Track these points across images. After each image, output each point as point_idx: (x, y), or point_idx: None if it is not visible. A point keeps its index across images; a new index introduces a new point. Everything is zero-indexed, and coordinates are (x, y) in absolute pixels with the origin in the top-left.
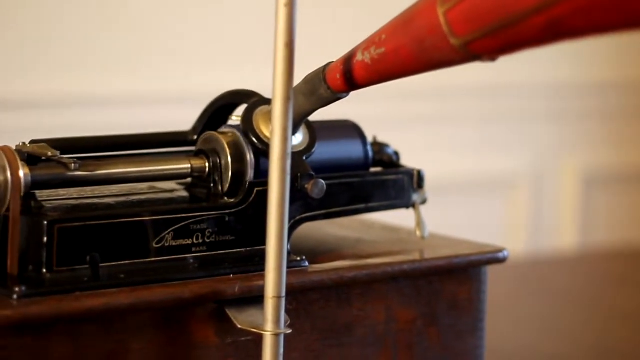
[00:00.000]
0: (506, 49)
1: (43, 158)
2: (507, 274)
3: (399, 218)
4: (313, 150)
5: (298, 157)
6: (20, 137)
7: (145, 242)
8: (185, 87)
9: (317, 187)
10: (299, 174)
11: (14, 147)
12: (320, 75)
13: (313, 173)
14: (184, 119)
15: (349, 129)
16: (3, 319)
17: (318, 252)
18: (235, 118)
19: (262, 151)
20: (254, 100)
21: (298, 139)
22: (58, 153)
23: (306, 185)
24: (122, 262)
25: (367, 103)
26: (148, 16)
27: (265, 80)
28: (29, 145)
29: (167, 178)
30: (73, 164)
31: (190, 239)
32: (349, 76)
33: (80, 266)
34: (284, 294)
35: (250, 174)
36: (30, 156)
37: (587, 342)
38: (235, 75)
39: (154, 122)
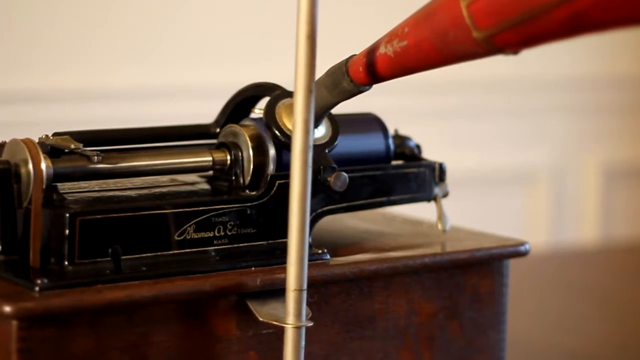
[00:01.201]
0: (529, 42)
1: (66, 150)
2: (528, 268)
3: (420, 211)
4: (335, 143)
5: (320, 150)
6: (43, 129)
7: (167, 235)
8: (209, 80)
9: (340, 180)
10: (321, 167)
11: (37, 140)
12: (342, 68)
13: (335, 166)
14: (207, 112)
15: (371, 122)
16: (25, 311)
17: (339, 245)
18: (258, 111)
19: (285, 144)
20: (277, 93)
21: (321, 131)
22: (81, 145)
23: (329, 178)
24: (144, 255)
25: (389, 96)
26: (171, 9)
27: (288, 73)
28: (51, 137)
29: (189, 171)
30: (96, 157)
31: (212, 232)
32: (372, 69)
33: (102, 259)
34: (305, 286)
35: (271, 166)
36: (53, 148)
37: (608, 335)
38: (257, 68)
39: (176, 115)
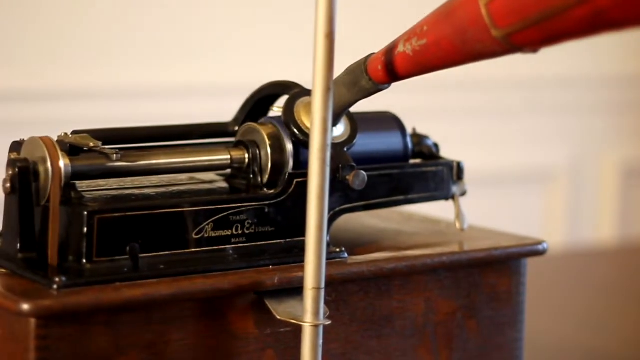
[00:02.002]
0: (548, 41)
1: (85, 149)
2: (546, 267)
3: (438, 210)
4: (354, 141)
5: (339, 148)
6: (62, 128)
7: (184, 233)
8: (227, 79)
9: (359, 178)
10: (340, 165)
11: (56, 138)
12: (361, 67)
13: (354, 164)
14: (226, 111)
15: (389, 121)
16: (44, 309)
17: (357, 244)
18: (277, 109)
19: (303, 142)
20: (296, 92)
21: (339, 130)
22: (100, 143)
23: (347, 177)
24: (162, 253)
25: (407, 94)
26: (190, 9)
27: (306, 71)
28: (70, 135)
29: (207, 169)
30: (115, 155)
31: (230, 230)
32: (391, 67)
33: (120, 257)
34: (323, 285)
35: (289, 165)
36: (71, 147)
37: (627, 334)
38: (276, 66)
39: (195, 113)
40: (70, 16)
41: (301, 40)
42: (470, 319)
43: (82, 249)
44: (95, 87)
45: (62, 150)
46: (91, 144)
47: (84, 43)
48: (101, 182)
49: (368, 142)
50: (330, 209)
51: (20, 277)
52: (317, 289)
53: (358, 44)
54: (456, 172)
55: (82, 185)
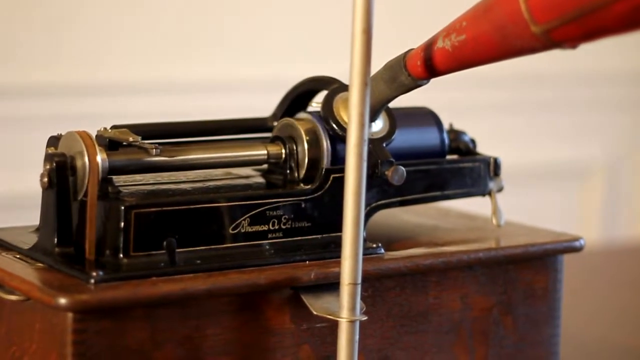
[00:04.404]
0: (587, 37)
1: (124, 143)
2: (582, 263)
3: (475, 206)
4: (393, 137)
5: (378, 144)
6: (102, 122)
7: (221, 228)
8: (266, 74)
9: (397, 173)
10: (379, 161)
11: (95, 133)
12: (400, 62)
13: (393, 160)
14: (264, 106)
15: (426, 116)
16: (81, 304)
17: (394, 240)
18: (316, 104)
19: (342, 137)
20: (334, 87)
21: (378, 125)
22: (139, 138)
23: (386, 172)
24: (198, 248)
25: (444, 90)
26: (228, 5)
27: (344, 67)
28: (110, 130)
29: (244, 164)
30: (154, 149)
31: (266, 225)
32: (430, 63)
33: (156, 251)
34: (359, 280)
35: (326, 160)
36: (111, 141)
37: None
38: (314, 62)
39: (235, 108)
40: (114, 12)
41: (340, 35)
42: (506, 315)
43: (119, 244)
44: (136, 82)
45: (99, 145)
46: (130, 139)
47: (128, 39)
48: (138, 177)
49: (405, 138)
50: (366, 205)
51: (57, 271)
52: (354, 284)
53: (395, 40)
54: (493, 168)
55: (119, 180)
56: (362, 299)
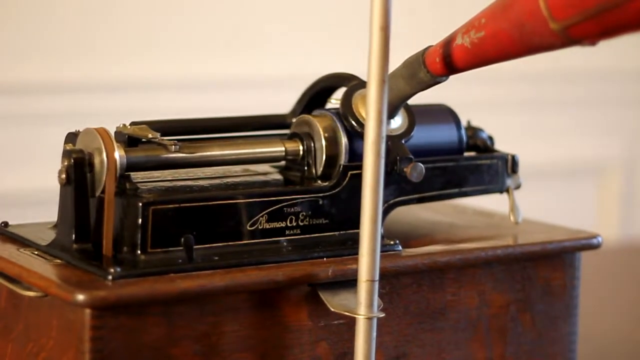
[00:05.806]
0: (606, 34)
1: (143, 140)
2: (599, 261)
3: (492, 203)
4: (412, 134)
5: (397, 141)
6: (118, 119)
7: (239, 225)
8: (285, 71)
9: (416, 170)
10: (397, 158)
11: (115, 129)
12: (419, 59)
13: (412, 156)
14: (284, 103)
15: (444, 113)
16: (99, 300)
17: (411, 237)
18: (335, 101)
19: (361, 134)
20: (353, 84)
21: (397, 122)
22: (158, 135)
23: (405, 169)
24: (216, 245)
25: (462, 87)
26: (248, 3)
27: (362, 64)
28: (129, 127)
29: (261, 161)
30: (173, 146)
31: (284, 222)
32: (449, 60)
33: (174, 248)
34: (377, 277)
35: (344, 157)
36: (130, 138)
37: None
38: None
39: (254, 105)
40: (132, 9)
41: (359, 33)
42: (524, 312)
43: (136, 240)
44: (156, 80)
45: (118, 141)
46: (149, 135)
47: (147, 36)
48: (156, 173)
49: (423, 135)
50: (384, 202)
51: (75, 267)
52: (371, 281)
53: (413, 37)
54: (511, 165)
55: (136, 176)
56: (379, 295)
